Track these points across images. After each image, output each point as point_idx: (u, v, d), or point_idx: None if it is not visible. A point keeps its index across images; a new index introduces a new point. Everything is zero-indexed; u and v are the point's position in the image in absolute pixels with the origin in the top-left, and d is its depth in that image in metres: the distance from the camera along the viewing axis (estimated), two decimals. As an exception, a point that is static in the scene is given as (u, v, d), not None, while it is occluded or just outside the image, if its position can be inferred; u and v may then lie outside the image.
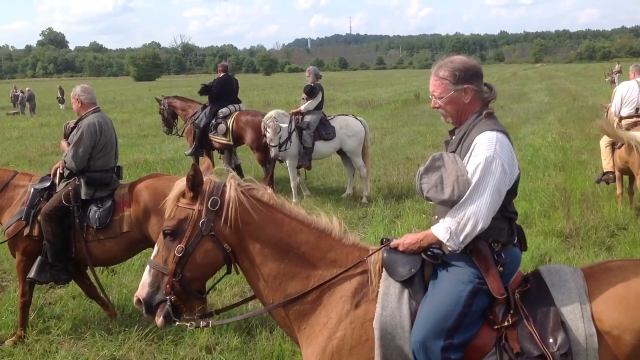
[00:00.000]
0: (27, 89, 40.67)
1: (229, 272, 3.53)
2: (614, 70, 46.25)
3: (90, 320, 6.55)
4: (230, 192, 3.37)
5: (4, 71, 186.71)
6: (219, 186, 3.40)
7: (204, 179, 3.40)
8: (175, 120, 14.54)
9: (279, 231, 3.43)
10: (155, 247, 3.48)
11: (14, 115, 36.43)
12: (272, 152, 11.44)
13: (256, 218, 3.41)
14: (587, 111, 25.56)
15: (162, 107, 14.53)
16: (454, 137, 3.41)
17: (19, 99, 39.15)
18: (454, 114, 3.36)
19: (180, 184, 3.44)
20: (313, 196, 12.04)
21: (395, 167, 14.49)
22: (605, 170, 10.12)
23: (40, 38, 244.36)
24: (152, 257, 3.44)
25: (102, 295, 6.59)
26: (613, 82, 43.21)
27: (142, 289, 3.38)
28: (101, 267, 7.49)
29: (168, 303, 3.33)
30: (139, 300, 3.39)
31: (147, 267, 3.43)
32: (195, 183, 3.35)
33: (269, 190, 3.60)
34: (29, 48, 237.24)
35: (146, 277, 3.40)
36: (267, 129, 11.32)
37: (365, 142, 12.00)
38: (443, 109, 3.37)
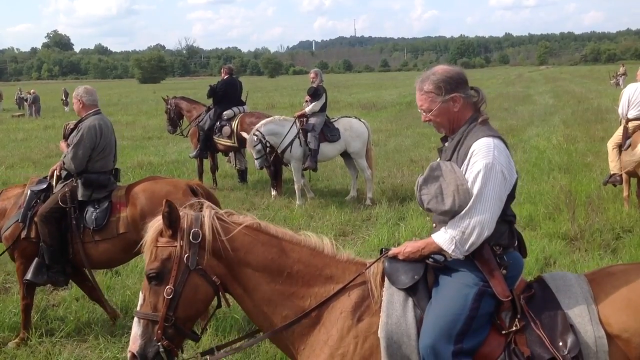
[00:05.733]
0: (32, 91, 40.72)
1: (219, 305, 3.41)
2: (618, 73, 46.18)
3: (94, 323, 6.54)
4: (210, 221, 3.26)
5: (9, 73, 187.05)
6: (197, 218, 3.28)
7: (180, 213, 3.27)
8: (181, 121, 14.59)
9: (269, 253, 3.34)
10: (140, 295, 3.31)
11: (19, 117, 36.48)
12: (256, 164, 11.67)
13: (242, 243, 3.32)
14: (592, 113, 25.52)
15: (168, 106, 14.60)
16: (447, 144, 3.38)
17: (28, 100, 39.16)
18: (446, 124, 3.34)
19: (155, 224, 3.29)
20: (317, 198, 12.03)
21: (400, 170, 14.48)
22: (612, 172, 10.10)
23: (46, 40, 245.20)
24: (138, 308, 3.27)
25: (100, 296, 6.56)
26: (618, 84, 43.13)
27: (134, 343, 3.21)
28: (105, 269, 7.49)
29: (161, 349, 3.18)
30: (133, 356, 3.21)
31: (135, 320, 3.26)
32: (172, 219, 3.22)
33: (249, 214, 3.49)
34: (34, 50, 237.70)
35: (136, 330, 3.22)
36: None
37: (369, 144, 12.01)
38: (434, 122, 3.36)
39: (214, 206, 3.41)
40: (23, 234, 6.14)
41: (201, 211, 3.35)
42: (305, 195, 12.04)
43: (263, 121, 11.79)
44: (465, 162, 3.17)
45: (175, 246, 3.24)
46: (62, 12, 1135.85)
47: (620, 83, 42.65)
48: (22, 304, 6.26)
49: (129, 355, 3.26)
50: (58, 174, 6.41)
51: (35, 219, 6.10)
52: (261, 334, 3.56)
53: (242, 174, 14.11)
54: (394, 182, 13.09)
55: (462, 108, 3.29)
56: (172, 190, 6.12)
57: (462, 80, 3.31)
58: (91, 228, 6.12)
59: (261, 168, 11.80)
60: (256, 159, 11.53)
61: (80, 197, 6.19)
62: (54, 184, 6.40)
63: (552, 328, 3.11)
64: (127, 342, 5.87)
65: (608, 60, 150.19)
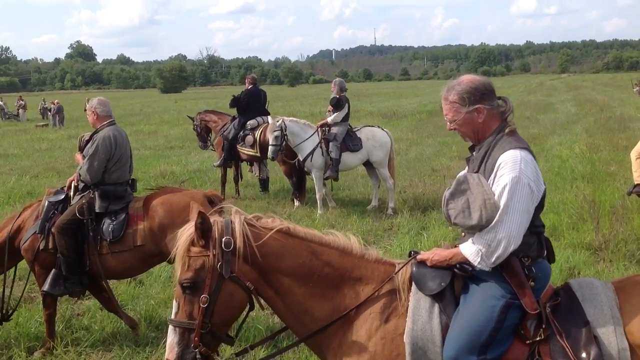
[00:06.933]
0: (55, 101, 41.22)
1: (252, 308, 3.45)
2: (642, 81, 45.75)
3: (118, 332, 6.59)
4: (241, 228, 3.29)
5: (33, 84, 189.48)
6: (227, 225, 3.30)
7: (210, 221, 3.29)
8: (210, 135, 14.72)
9: (299, 257, 3.39)
10: (174, 304, 3.35)
11: (43, 127, 36.90)
12: (269, 152, 11.61)
13: (273, 248, 3.35)
14: (615, 122, 25.33)
15: (195, 123, 14.79)
16: (474, 154, 3.39)
17: (52, 110, 39.61)
18: (471, 134, 3.37)
19: (185, 234, 3.31)
20: (338, 208, 12.03)
21: (421, 179, 14.46)
22: (636, 183, 9.98)
23: (69, 51, 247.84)
24: (172, 317, 3.31)
25: (116, 307, 6.58)
26: (641, 92, 42.75)
27: (171, 351, 3.25)
28: (128, 279, 7.55)
29: (198, 356, 3.22)
30: None
31: (171, 328, 3.30)
32: (205, 230, 3.24)
33: (277, 217, 3.53)
34: (57, 61, 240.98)
35: (172, 338, 3.26)
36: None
37: (391, 153, 12.01)
38: (459, 131, 3.39)
39: (242, 211, 3.45)
40: (41, 246, 6.18)
41: (230, 216, 3.39)
42: (327, 205, 12.06)
43: (290, 118, 11.96)
44: (492, 175, 3.17)
45: (208, 255, 3.25)
46: (85, 23, 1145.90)
47: (644, 91, 42.27)
48: (45, 314, 6.32)
49: None
50: (75, 184, 6.47)
51: (53, 230, 6.14)
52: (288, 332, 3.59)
53: (264, 183, 14.18)
54: (416, 192, 13.06)
55: (487, 119, 3.29)
56: (190, 202, 6.15)
57: (488, 91, 3.31)
58: (108, 240, 6.16)
59: (273, 159, 11.78)
60: (271, 145, 11.50)
61: (97, 209, 6.23)
62: (71, 195, 6.45)
63: (576, 339, 3.10)
64: (151, 352, 5.97)
65: (630, 68, 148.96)
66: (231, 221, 3.33)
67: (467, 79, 3.35)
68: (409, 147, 20.76)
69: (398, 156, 16.98)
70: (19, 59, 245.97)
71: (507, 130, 3.27)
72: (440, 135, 23.92)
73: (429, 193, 12.72)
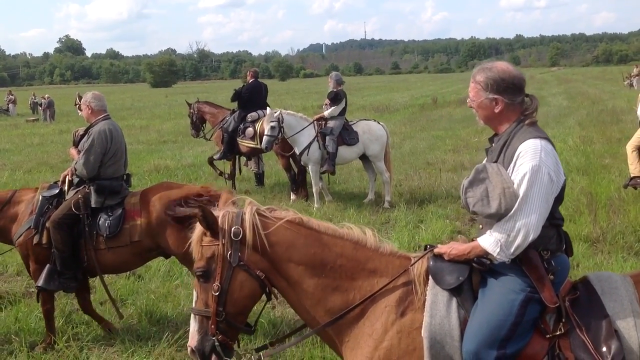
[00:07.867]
0: (46, 95, 41.02)
1: (268, 299, 3.51)
2: (632, 74, 45.89)
3: (120, 327, 6.55)
4: (251, 218, 3.35)
5: (22, 78, 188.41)
6: (238, 215, 3.37)
7: (221, 212, 3.37)
8: (203, 125, 14.73)
9: (311, 247, 3.39)
10: (194, 293, 3.47)
11: (34, 122, 36.72)
12: (263, 141, 11.60)
13: (283, 238, 3.38)
14: (607, 115, 25.44)
15: (191, 110, 14.75)
16: (494, 145, 3.37)
17: (42, 105, 39.40)
18: (484, 119, 3.37)
19: (199, 225, 3.41)
20: (335, 201, 12.02)
21: (416, 172, 14.48)
22: (632, 175, 10.05)
23: (58, 45, 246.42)
24: (193, 305, 3.43)
25: (110, 302, 6.56)
26: (631, 85, 42.93)
27: (192, 338, 3.36)
28: (127, 273, 7.52)
29: (216, 343, 3.30)
30: (192, 351, 3.37)
31: (192, 316, 3.41)
32: (208, 222, 3.32)
33: (290, 209, 3.55)
34: (46, 55, 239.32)
35: (193, 325, 3.37)
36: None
37: (387, 147, 12.02)
38: (475, 110, 3.38)
39: (255, 202, 3.48)
40: (35, 240, 6.13)
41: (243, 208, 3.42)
42: (324, 198, 12.05)
43: (287, 111, 11.95)
44: (512, 164, 3.15)
45: (218, 245, 3.33)
46: (74, 17, 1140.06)
47: (635, 84, 42.45)
48: (43, 310, 6.29)
49: (188, 350, 3.42)
50: (70, 179, 6.42)
51: (48, 224, 6.09)
52: (307, 329, 3.62)
53: (260, 177, 14.15)
54: (411, 185, 13.08)
55: (504, 111, 3.27)
56: (187, 197, 6.14)
57: (514, 87, 3.28)
58: (105, 235, 6.12)
59: (266, 149, 11.77)
60: (266, 135, 11.48)
61: (93, 204, 6.19)
62: (65, 189, 6.41)
63: (596, 333, 3.09)
64: (153, 347, 5.95)
65: (620, 61, 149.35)
66: (243, 212, 3.37)
67: (500, 67, 3.31)
68: (402, 141, 20.76)
69: (392, 149, 16.96)
70: (7, 53, 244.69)
71: (527, 121, 3.24)
72: (434, 129, 23.97)
73: (425, 186, 12.75)
